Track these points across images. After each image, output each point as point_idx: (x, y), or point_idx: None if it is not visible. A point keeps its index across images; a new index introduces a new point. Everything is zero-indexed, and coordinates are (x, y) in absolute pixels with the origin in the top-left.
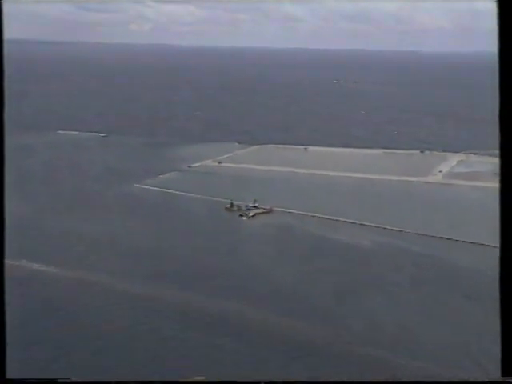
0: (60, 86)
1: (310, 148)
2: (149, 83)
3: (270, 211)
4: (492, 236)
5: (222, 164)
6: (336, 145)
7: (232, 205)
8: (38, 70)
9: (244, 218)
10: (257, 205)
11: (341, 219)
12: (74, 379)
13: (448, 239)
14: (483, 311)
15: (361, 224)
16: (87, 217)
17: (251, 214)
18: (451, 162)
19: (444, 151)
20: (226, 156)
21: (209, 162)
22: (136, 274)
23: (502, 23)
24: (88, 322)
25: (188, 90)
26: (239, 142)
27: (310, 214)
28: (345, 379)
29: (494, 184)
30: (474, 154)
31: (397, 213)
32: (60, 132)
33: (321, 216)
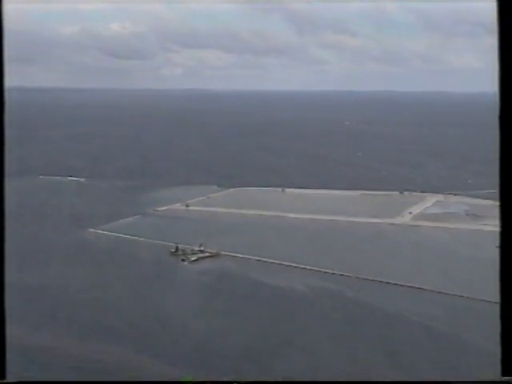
0: (65, 132)
1: (288, 190)
2: (158, 128)
3: (215, 255)
4: (438, 278)
5: (190, 208)
6: (317, 186)
7: (177, 249)
8: (52, 116)
9: (185, 262)
10: (202, 248)
11: (286, 263)
12: (72, 380)
13: (387, 283)
14: (406, 374)
15: (303, 268)
16: (26, 265)
17: (193, 258)
18: (427, 203)
19: (423, 192)
20: (197, 199)
21: (177, 206)
22: (49, 325)
23: (502, 23)
24: None
25: (193, 134)
26: (219, 185)
27: (256, 257)
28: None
29: (463, 225)
30: (455, 194)
31: (346, 255)
32: (41, 177)
33: (266, 260)
